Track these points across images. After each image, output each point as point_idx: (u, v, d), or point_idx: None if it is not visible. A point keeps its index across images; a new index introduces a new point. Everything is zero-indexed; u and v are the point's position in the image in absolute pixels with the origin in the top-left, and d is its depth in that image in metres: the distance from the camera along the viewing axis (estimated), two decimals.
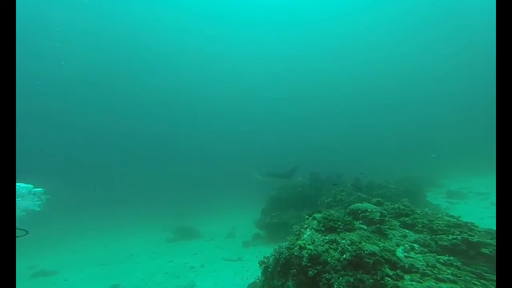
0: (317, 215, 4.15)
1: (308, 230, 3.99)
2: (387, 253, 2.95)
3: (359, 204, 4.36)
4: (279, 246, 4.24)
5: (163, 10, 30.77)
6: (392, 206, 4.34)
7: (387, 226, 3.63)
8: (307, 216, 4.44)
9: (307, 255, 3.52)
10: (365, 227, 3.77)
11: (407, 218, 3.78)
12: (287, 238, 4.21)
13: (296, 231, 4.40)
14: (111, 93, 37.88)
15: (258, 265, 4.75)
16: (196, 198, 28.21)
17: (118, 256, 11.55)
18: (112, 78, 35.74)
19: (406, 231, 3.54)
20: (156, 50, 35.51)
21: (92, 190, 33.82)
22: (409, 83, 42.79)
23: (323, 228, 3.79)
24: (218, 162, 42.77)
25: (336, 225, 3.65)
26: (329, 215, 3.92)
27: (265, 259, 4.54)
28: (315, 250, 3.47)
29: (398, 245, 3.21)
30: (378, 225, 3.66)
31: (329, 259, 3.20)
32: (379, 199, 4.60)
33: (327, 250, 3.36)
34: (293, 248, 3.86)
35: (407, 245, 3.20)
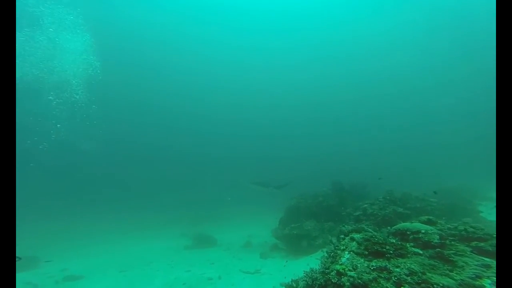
0: (356, 235, 3.58)
1: (346, 252, 3.43)
2: None
3: (407, 223, 3.69)
4: (311, 269, 3.71)
5: (161, 13, 31.79)
6: (450, 226, 3.61)
7: (452, 252, 2.94)
8: (342, 236, 3.87)
9: (348, 283, 2.96)
10: (420, 252, 3.12)
11: (483, 244, 3.04)
12: (321, 259, 3.69)
13: (330, 252, 3.84)
14: (117, 99, 39.31)
15: None
16: (212, 202, 28.27)
17: (138, 262, 11.66)
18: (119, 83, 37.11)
19: (487, 259, 2.80)
20: (153, 54, 36.62)
21: (114, 193, 35.63)
22: (430, 87, 40.05)
23: (366, 252, 3.21)
24: (231, 168, 42.94)
25: (384, 249, 3.05)
26: (372, 237, 3.33)
27: (293, 283, 4.03)
28: (359, 278, 2.90)
29: (479, 277, 2.50)
30: (439, 249, 2.98)
31: None
32: (430, 217, 3.88)
33: (375, 279, 2.78)
34: (329, 274, 3.31)
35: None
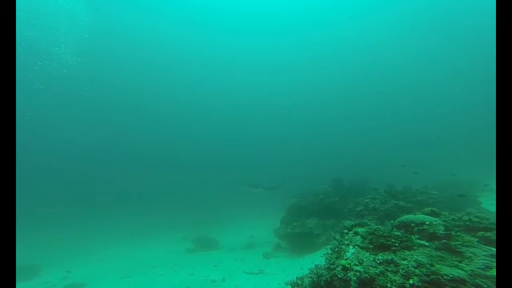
0: (360, 230, 3.53)
1: (351, 247, 3.38)
2: (482, 279, 2.24)
3: (411, 215, 3.66)
4: (316, 266, 3.66)
5: (160, 16, 31.70)
6: (454, 217, 3.58)
7: (458, 243, 2.90)
8: (346, 230, 3.82)
9: (355, 278, 2.91)
10: (427, 244, 3.08)
11: (489, 234, 3.01)
12: (324, 256, 3.63)
13: (334, 248, 3.79)
14: (117, 106, 39.35)
15: (289, 287, 4.20)
16: (212, 204, 28.13)
17: (141, 267, 11.51)
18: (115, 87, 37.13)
19: (494, 250, 2.77)
20: (153, 58, 36.60)
21: (115, 198, 35.35)
22: (424, 83, 40.41)
23: (371, 246, 3.17)
24: (232, 170, 42.84)
25: (390, 242, 3.01)
26: (376, 230, 3.29)
27: (298, 281, 3.96)
28: (365, 272, 2.86)
29: (489, 268, 2.46)
30: (445, 241, 2.94)
31: (388, 285, 2.58)
32: (433, 209, 3.85)
33: (383, 273, 2.74)
34: (334, 269, 3.26)
35: None
